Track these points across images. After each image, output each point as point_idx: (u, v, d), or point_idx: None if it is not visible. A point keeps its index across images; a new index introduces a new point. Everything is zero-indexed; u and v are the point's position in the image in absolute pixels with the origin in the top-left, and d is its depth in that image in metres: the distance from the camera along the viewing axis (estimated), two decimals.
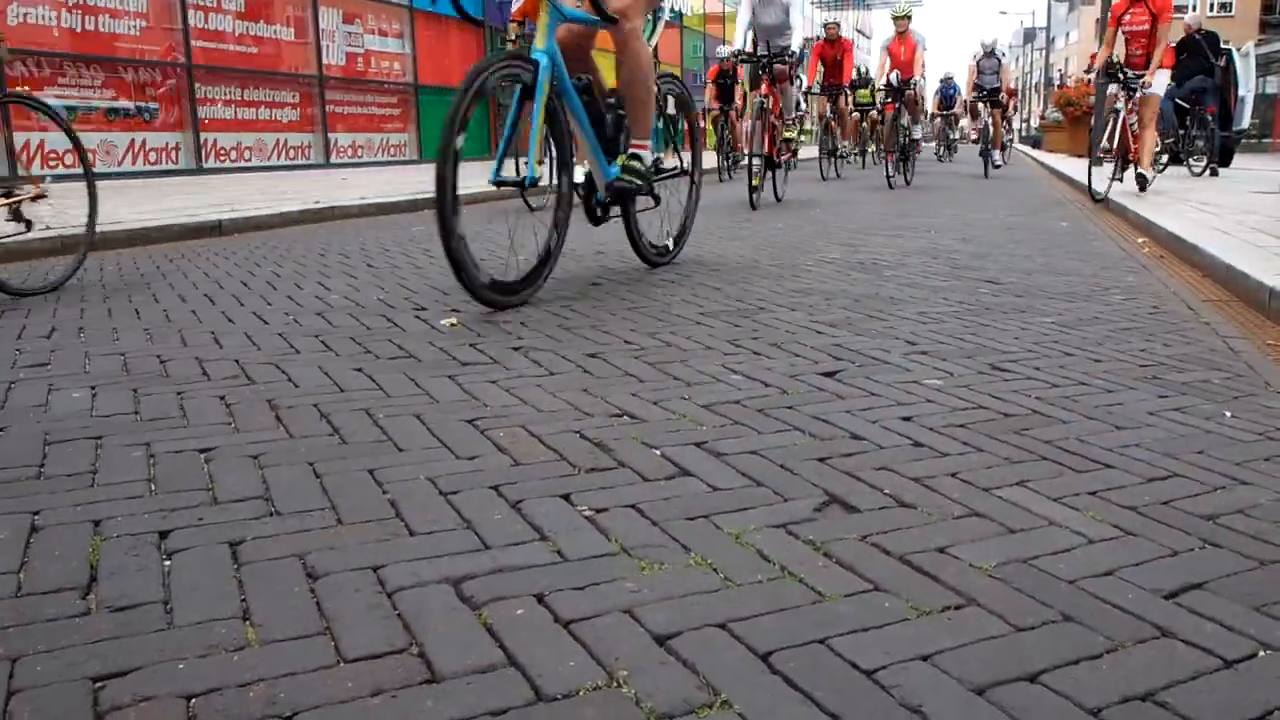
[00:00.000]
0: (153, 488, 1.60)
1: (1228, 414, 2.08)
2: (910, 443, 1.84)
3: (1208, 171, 11.57)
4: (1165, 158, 12.92)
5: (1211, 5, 42.47)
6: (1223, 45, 14.25)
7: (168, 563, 1.32)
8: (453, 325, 2.89)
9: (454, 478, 1.63)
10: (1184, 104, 12.32)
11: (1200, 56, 12.26)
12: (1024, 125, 66.39)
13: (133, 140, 11.01)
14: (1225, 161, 13.86)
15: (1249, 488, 1.63)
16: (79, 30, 11.18)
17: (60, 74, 10.91)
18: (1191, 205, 6.80)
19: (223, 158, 12.18)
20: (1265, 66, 24.76)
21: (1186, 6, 42.58)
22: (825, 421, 1.97)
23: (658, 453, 1.77)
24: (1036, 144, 30.00)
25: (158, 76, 11.61)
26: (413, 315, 3.07)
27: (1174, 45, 12.94)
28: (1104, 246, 5.22)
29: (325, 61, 14.06)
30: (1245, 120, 15.75)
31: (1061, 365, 2.48)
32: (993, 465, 1.73)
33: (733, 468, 1.69)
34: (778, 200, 8.34)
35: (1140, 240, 5.61)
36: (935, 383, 2.30)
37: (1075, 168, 14.24)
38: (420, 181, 10.41)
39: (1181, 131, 12.56)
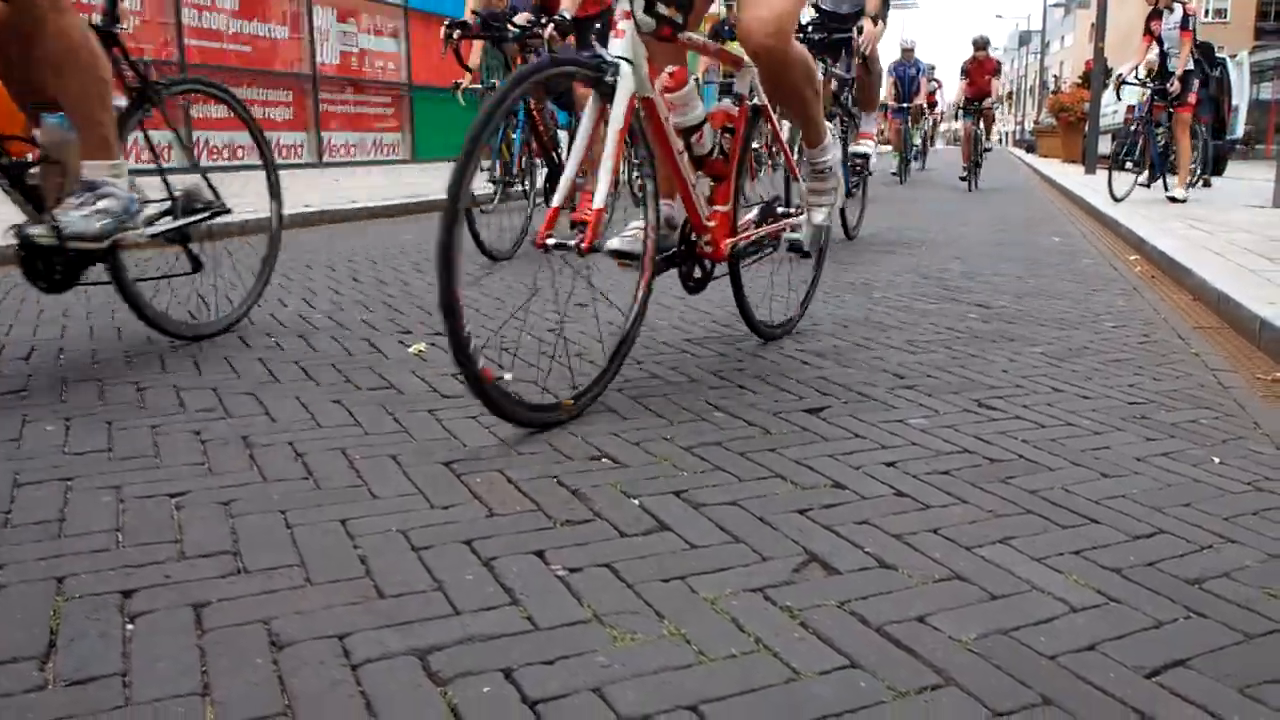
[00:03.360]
0: (120, 538, 1.56)
1: (1216, 460, 2.06)
2: (893, 492, 1.82)
3: (1201, 183, 11.57)
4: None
5: (1207, 11, 42.56)
6: (1218, 55, 14.28)
7: (130, 626, 1.29)
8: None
9: (427, 530, 1.60)
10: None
11: (1196, 66, 12.24)
12: (1018, 128, 66.56)
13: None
14: (1218, 170, 13.89)
15: (1236, 547, 1.61)
16: None
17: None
18: (1184, 221, 6.79)
19: (215, 156, 12.11)
20: (1259, 74, 24.81)
21: None
22: (807, 467, 1.94)
23: (636, 503, 1.74)
24: (1030, 149, 30.01)
25: (151, 74, 11.52)
26: (396, 340, 3.04)
27: (1167, 54, 12.98)
28: (1096, 266, 5.20)
29: (319, 60, 13.99)
30: (1239, 129, 15.77)
31: (1049, 403, 2.46)
32: (976, 519, 1.70)
33: (711, 521, 1.66)
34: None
35: (1133, 258, 5.59)
36: (920, 422, 2.27)
37: (1067, 174, 14.24)
38: (411, 183, 10.38)
39: None
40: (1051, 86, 36.56)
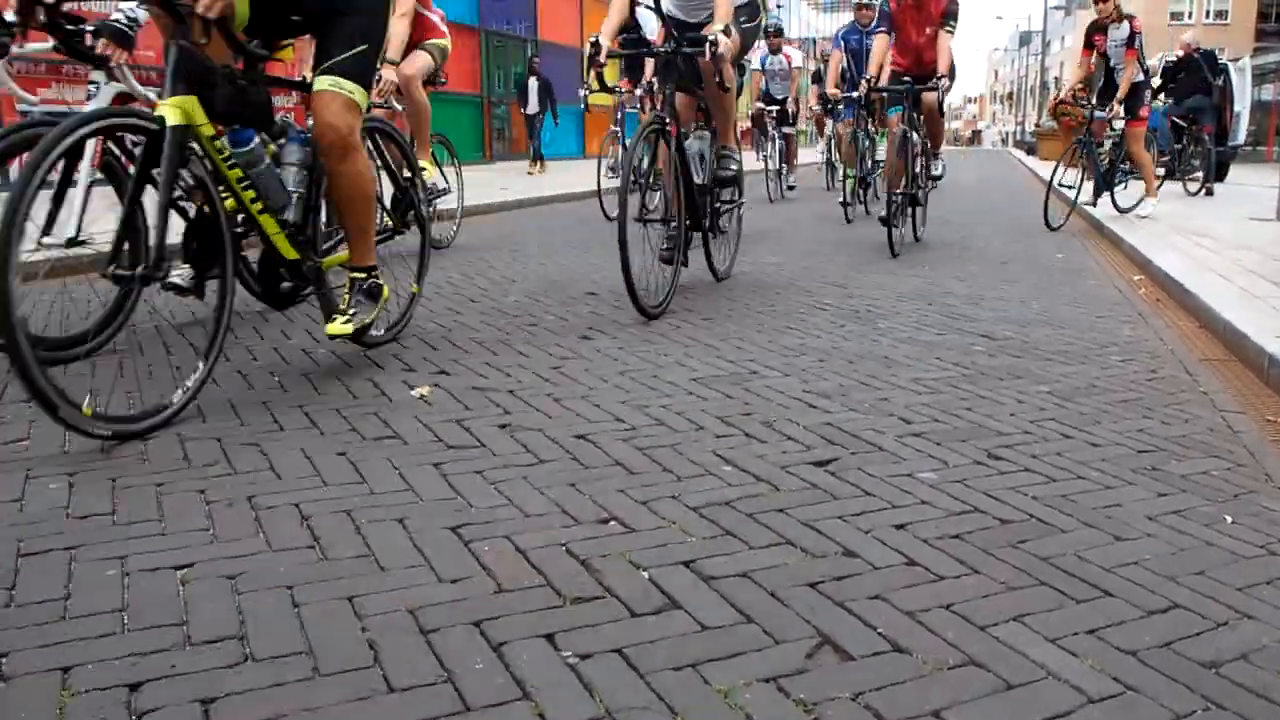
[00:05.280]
0: (125, 620, 1.55)
1: (1228, 519, 2.04)
2: (904, 561, 1.80)
3: (1203, 191, 11.56)
4: (1161, 171, 12.94)
5: (1208, 13, 42.55)
6: (1220, 61, 14.28)
7: None
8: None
9: (436, 610, 1.59)
10: (1180, 122, 12.35)
11: (1198, 75, 12.27)
12: (1018, 128, 66.48)
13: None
14: (1220, 176, 13.88)
15: (1252, 624, 1.60)
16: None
17: (56, 76, 10.92)
18: (1187, 237, 6.77)
19: None
20: (1260, 76, 24.78)
21: (1183, 14, 42.70)
22: (817, 531, 1.93)
23: (645, 575, 1.72)
24: (1031, 151, 30.00)
25: (154, 75, 11.51)
26: (400, 380, 3.02)
27: (1172, 64, 12.97)
28: (1100, 287, 5.19)
29: None
30: (1241, 136, 15.76)
31: (1059, 451, 2.44)
32: (989, 593, 1.69)
33: (722, 596, 1.65)
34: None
35: (1137, 278, 5.58)
36: (930, 476, 2.26)
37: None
38: None
39: (1179, 147, 12.59)
40: (1052, 88, 36.49)
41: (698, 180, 4.47)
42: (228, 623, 1.54)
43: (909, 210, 6.70)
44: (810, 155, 17.50)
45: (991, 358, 3.45)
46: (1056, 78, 46.84)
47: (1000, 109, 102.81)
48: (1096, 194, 8.47)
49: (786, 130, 11.66)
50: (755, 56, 11.07)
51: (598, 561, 1.78)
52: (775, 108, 11.65)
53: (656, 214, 4.43)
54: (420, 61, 5.68)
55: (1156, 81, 13.42)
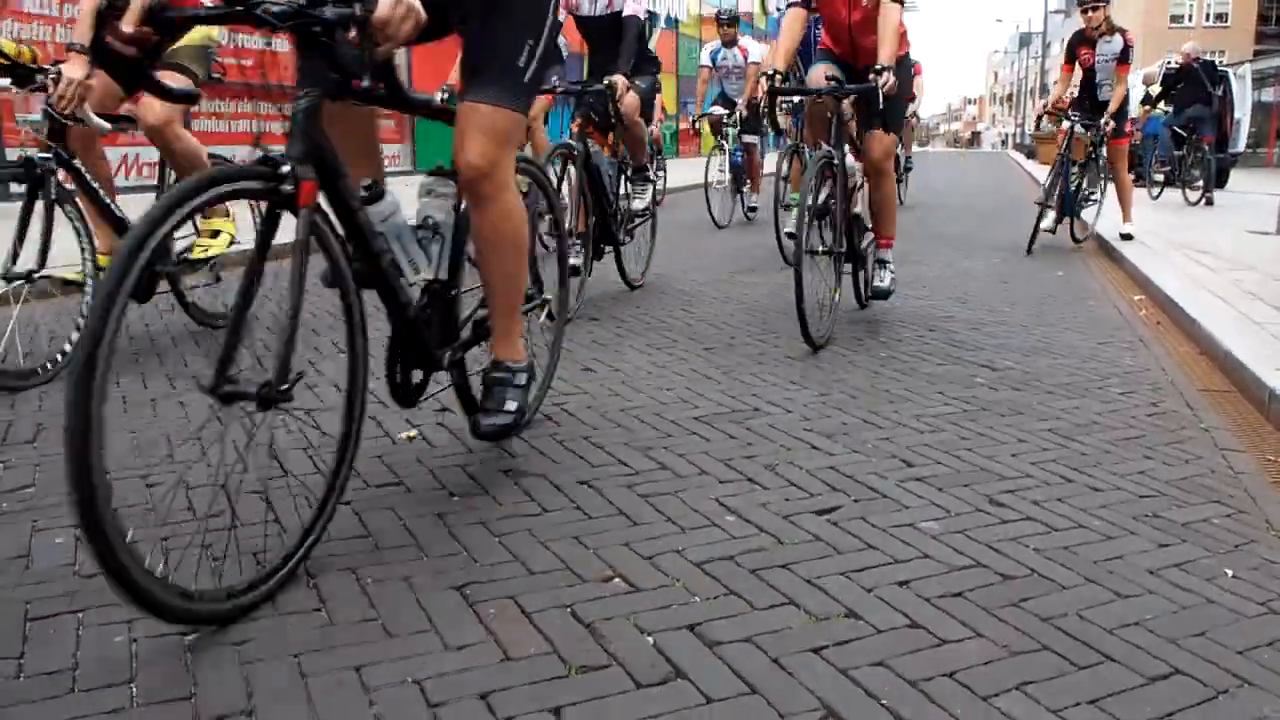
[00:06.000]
0: (133, 693, 1.56)
1: (1229, 573, 2.06)
2: (907, 623, 1.81)
3: (1203, 200, 11.59)
4: (1160, 178, 13.01)
5: (1208, 15, 42.57)
6: (1220, 69, 14.32)
7: None
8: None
9: (443, 681, 1.60)
10: (1181, 132, 12.41)
11: (1198, 85, 12.31)
12: (1018, 130, 66.54)
13: (124, 155, 10.85)
14: (1221, 183, 13.93)
15: (1253, 692, 1.61)
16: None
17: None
18: (1186, 254, 6.78)
19: None
20: (1260, 80, 24.81)
21: (1183, 16, 42.71)
22: (820, 589, 1.94)
23: (650, 641, 1.73)
24: (1030, 154, 30.01)
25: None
26: (403, 418, 3.03)
27: (1173, 71, 13.01)
28: (1101, 309, 5.20)
29: None
30: (1241, 143, 15.79)
31: (1060, 497, 2.46)
32: (992, 659, 1.70)
33: (726, 664, 1.66)
34: None
35: (1137, 298, 5.59)
36: (932, 525, 2.27)
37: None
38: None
39: (1179, 154, 12.64)
40: (1051, 90, 36.51)
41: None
42: (235, 696, 1.55)
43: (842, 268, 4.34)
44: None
45: (993, 391, 3.46)
46: (1056, 80, 46.78)
47: (1000, 110, 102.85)
48: (1058, 219, 7.70)
49: (747, 139, 9.53)
50: (705, 52, 9.86)
51: (602, 625, 1.79)
52: (727, 112, 9.42)
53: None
54: None
55: (1157, 89, 13.47)
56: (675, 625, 1.79)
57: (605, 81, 4.55)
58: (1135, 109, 15.54)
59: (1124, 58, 7.39)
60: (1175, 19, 42.63)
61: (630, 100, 4.73)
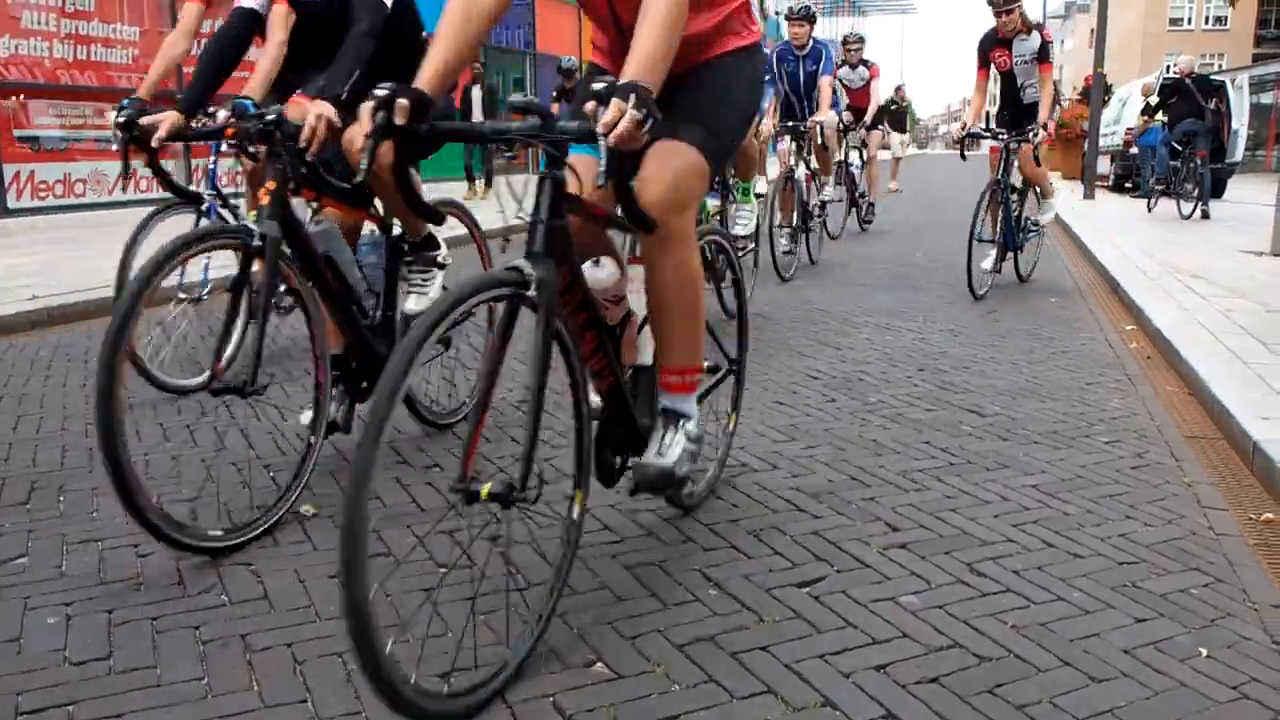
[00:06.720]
0: None
1: (1203, 652, 2.08)
2: (882, 714, 1.84)
3: (1198, 213, 11.63)
4: (1159, 188, 13.06)
5: (1207, 19, 42.59)
6: (1215, 80, 14.36)
7: None
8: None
9: None
10: (1176, 146, 12.49)
11: (1191, 100, 12.37)
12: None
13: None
14: (1218, 193, 13.98)
15: None
16: (71, 60, 11.45)
17: (53, 104, 11.21)
18: (1178, 278, 6.80)
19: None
20: (1259, 87, 24.85)
21: (1182, 20, 42.72)
22: (798, 675, 1.97)
23: None
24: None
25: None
26: (393, 477, 3.06)
27: (1169, 84, 13.06)
28: (1092, 343, 5.23)
29: None
30: (1239, 153, 15.82)
31: (1039, 566, 2.49)
32: None
33: None
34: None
35: (1129, 328, 5.62)
36: (912, 600, 2.30)
37: (1065, 195, 14.28)
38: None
39: (1175, 165, 12.69)
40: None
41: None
42: None
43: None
44: None
45: (980, 440, 3.49)
46: (1056, 81, 46.81)
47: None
48: (1000, 255, 6.80)
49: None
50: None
51: (582, 719, 1.82)
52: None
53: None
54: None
55: (1155, 99, 13.51)
56: (656, 719, 1.82)
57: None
58: (1134, 119, 15.63)
59: (1044, 55, 6.81)
60: (1174, 22, 42.67)
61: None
